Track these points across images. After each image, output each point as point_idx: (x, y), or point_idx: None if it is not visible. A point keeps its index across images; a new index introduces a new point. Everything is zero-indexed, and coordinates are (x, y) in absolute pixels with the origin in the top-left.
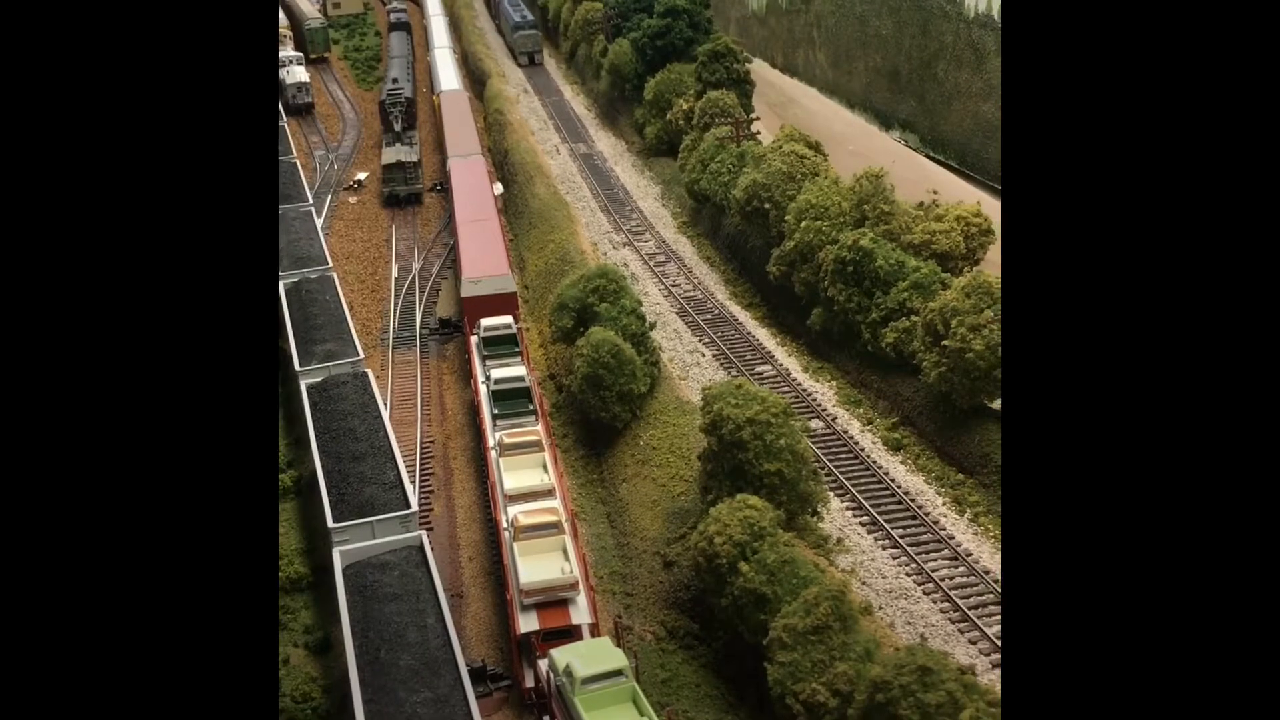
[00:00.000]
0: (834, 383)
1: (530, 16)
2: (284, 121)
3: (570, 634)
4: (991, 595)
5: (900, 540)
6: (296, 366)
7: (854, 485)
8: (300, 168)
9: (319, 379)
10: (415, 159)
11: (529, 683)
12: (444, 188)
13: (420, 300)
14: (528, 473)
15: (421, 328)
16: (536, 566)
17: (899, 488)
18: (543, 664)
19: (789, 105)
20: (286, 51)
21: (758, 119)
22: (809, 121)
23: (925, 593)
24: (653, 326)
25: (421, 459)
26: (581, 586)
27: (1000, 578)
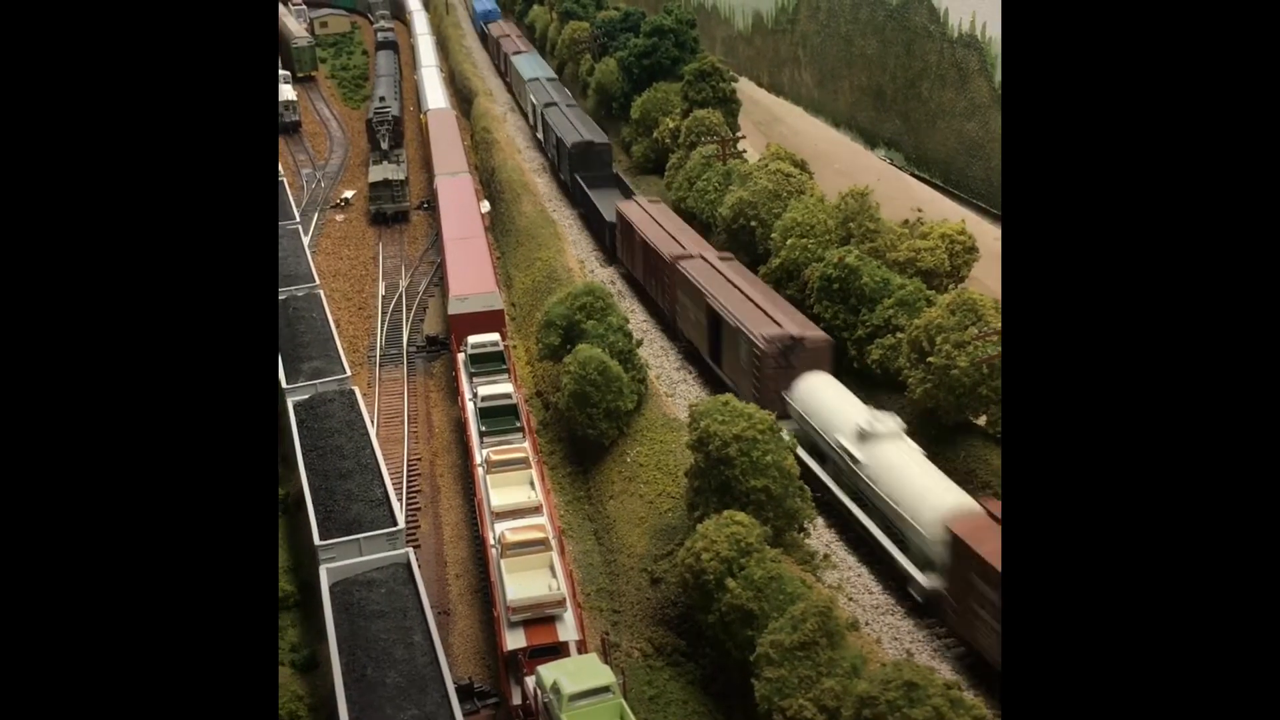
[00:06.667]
0: None
1: None
2: None
3: (557, 651)
4: None
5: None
6: (283, 384)
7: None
8: (287, 186)
9: (305, 396)
10: (402, 177)
11: (516, 700)
12: (431, 206)
13: (407, 318)
14: (515, 489)
15: (408, 345)
16: (523, 583)
17: None
18: (530, 681)
19: (775, 124)
20: None
21: (744, 137)
22: (795, 140)
23: (911, 608)
24: (639, 344)
25: (408, 476)
26: (569, 603)
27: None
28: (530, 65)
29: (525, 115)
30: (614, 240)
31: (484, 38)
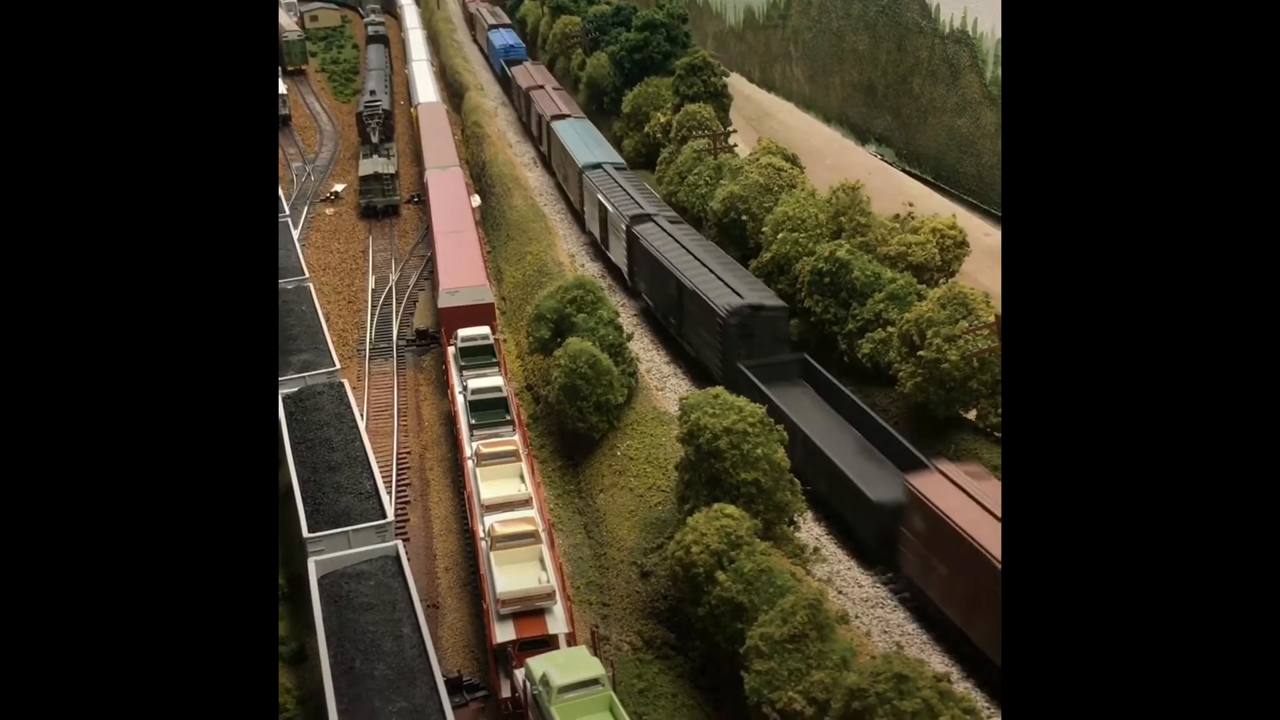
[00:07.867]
0: None
1: None
2: None
3: (547, 643)
4: None
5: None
6: None
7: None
8: (277, 179)
9: (295, 389)
10: (392, 171)
11: (505, 693)
12: (421, 199)
13: (397, 311)
14: (504, 482)
15: (398, 339)
16: (513, 576)
17: None
18: (519, 674)
19: (766, 119)
20: None
21: (735, 132)
22: (786, 136)
23: (901, 601)
24: (630, 337)
25: (398, 469)
26: (558, 596)
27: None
28: (585, 141)
29: (581, 216)
30: (886, 545)
31: (505, 83)
